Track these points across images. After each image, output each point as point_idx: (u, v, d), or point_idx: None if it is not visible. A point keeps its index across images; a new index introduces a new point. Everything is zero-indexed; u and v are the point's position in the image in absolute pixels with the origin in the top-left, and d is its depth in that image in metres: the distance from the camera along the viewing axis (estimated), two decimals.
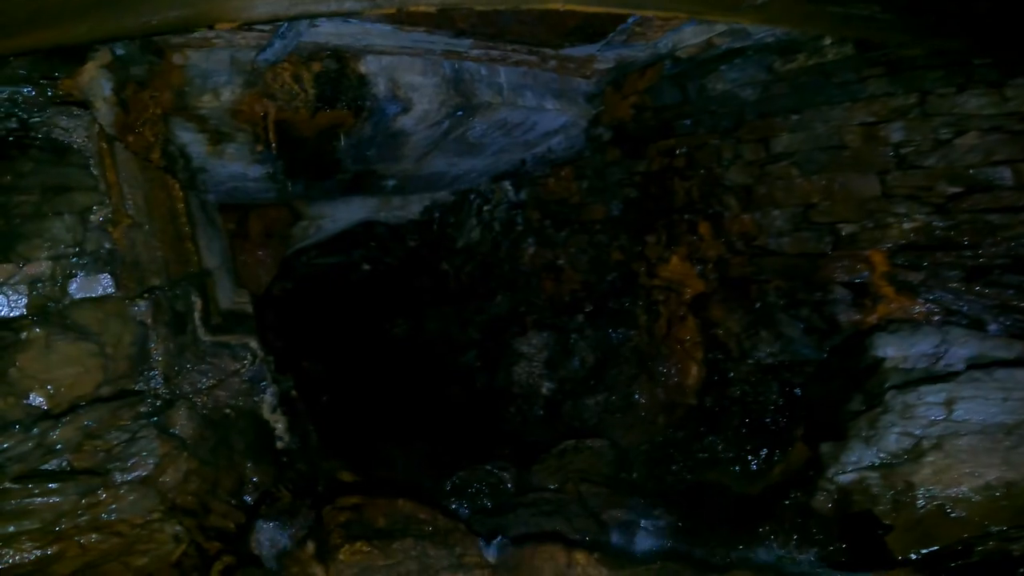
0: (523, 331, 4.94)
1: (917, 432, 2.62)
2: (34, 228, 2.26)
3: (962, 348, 2.90)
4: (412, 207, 5.95)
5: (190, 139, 3.43)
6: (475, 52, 3.55)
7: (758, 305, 3.78)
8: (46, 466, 2.17)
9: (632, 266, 4.50)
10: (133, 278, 2.64)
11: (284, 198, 4.94)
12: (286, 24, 2.77)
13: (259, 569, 2.33)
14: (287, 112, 3.33)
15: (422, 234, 6.18)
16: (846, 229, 3.43)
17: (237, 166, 3.82)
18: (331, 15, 2.53)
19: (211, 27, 2.31)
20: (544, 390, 4.64)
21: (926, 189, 3.18)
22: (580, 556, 2.39)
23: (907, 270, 3.25)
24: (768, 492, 3.16)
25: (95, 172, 2.49)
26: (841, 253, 3.46)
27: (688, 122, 4.05)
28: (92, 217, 2.46)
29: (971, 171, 3.05)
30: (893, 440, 2.65)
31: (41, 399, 2.21)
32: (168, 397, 2.71)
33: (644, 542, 3.01)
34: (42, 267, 2.27)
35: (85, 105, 2.54)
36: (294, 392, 3.84)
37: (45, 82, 2.37)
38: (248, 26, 2.67)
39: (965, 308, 3.10)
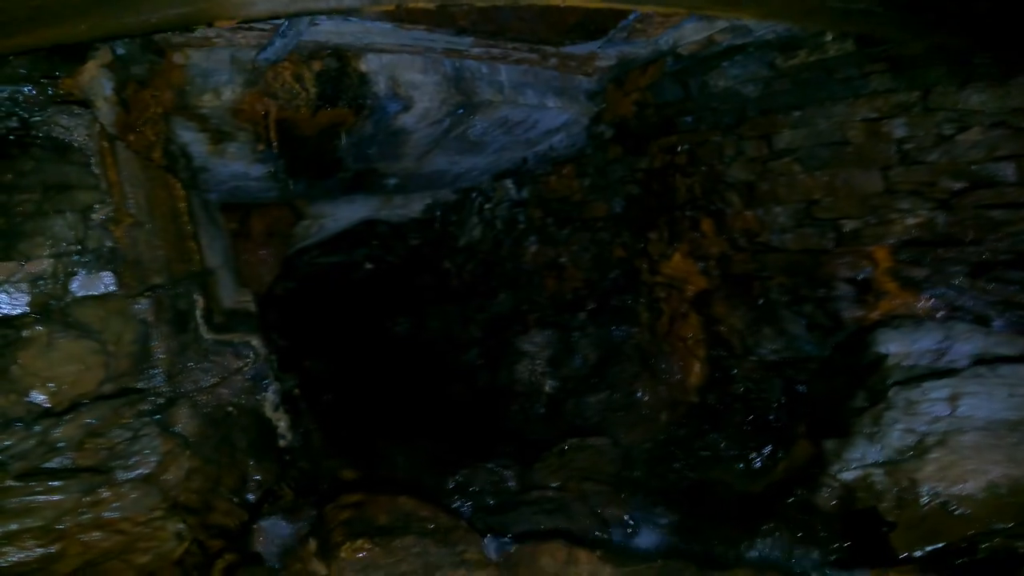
0: (525, 329, 4.93)
1: (921, 429, 2.61)
2: (35, 226, 2.27)
3: (966, 344, 2.89)
4: (414, 205, 5.96)
5: (191, 138, 3.43)
6: (476, 50, 3.55)
7: (761, 302, 3.76)
8: (48, 464, 2.18)
9: (634, 263, 4.50)
10: (135, 276, 2.65)
11: (286, 197, 4.94)
12: (286, 23, 2.77)
13: (261, 567, 2.34)
14: (288, 111, 3.33)
15: (424, 232, 6.19)
16: (849, 225, 3.41)
17: (239, 165, 3.82)
18: (330, 12, 2.53)
19: (210, 25, 2.31)
20: (546, 388, 4.63)
21: (929, 185, 3.17)
22: (582, 554, 2.38)
23: (910, 266, 3.24)
24: (771, 490, 3.15)
25: (96, 171, 2.50)
26: (844, 249, 3.44)
27: (690, 119, 4.03)
28: (93, 215, 2.47)
29: (974, 167, 3.03)
30: (897, 437, 2.64)
31: (43, 397, 2.22)
32: (170, 395, 2.71)
33: (647, 540, 3.01)
34: (44, 265, 2.28)
35: (86, 104, 2.55)
36: (296, 390, 3.85)
37: (46, 81, 2.37)
38: (247, 24, 2.66)
39: (969, 304, 3.08)
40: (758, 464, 3.44)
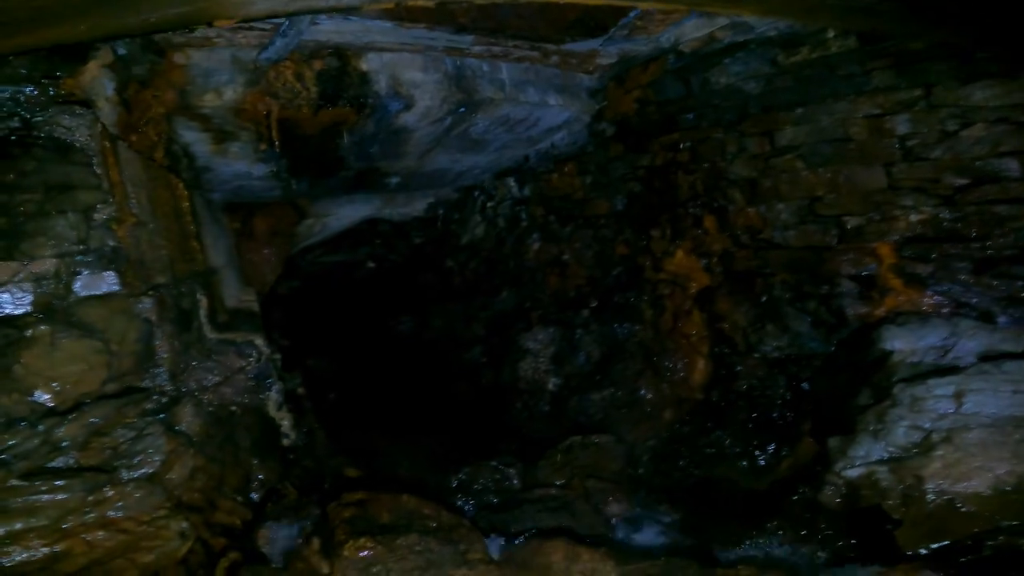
0: (528, 327, 4.93)
1: (926, 425, 2.59)
2: (38, 226, 2.27)
3: (971, 341, 2.87)
4: (416, 204, 5.96)
5: (193, 138, 3.43)
6: (476, 48, 3.54)
7: (764, 299, 3.75)
8: (52, 463, 2.18)
9: (637, 261, 4.49)
10: (138, 276, 2.65)
11: (289, 196, 4.95)
12: (287, 22, 2.77)
13: (265, 566, 2.34)
14: (290, 110, 3.34)
15: (426, 231, 6.19)
16: (852, 222, 3.40)
17: (241, 165, 3.82)
18: (329, 11, 2.53)
19: (210, 24, 2.31)
20: (550, 386, 4.62)
21: (933, 181, 3.15)
22: (585, 551, 2.38)
23: (915, 262, 3.22)
24: (775, 487, 3.14)
25: (98, 171, 2.50)
26: (848, 246, 3.43)
27: (691, 116, 4.02)
28: (96, 215, 2.47)
29: (978, 163, 3.01)
30: (902, 434, 2.62)
31: (47, 396, 2.22)
32: (174, 394, 2.72)
33: (650, 537, 3.00)
34: (47, 265, 2.29)
35: (87, 104, 2.55)
36: (300, 389, 3.86)
37: (47, 81, 2.37)
38: (246, 23, 2.66)
39: (974, 300, 3.07)
40: (762, 462, 3.42)
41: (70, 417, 2.24)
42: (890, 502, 2.46)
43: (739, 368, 3.79)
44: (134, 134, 2.99)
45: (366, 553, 2.24)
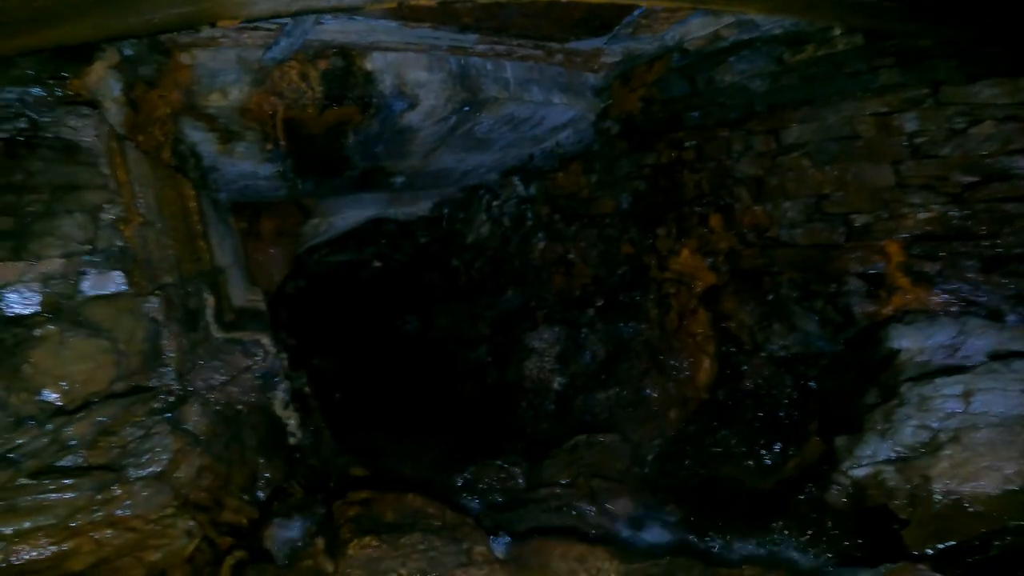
0: (534, 326, 4.93)
1: (934, 425, 2.58)
2: (45, 226, 2.29)
3: (980, 339, 2.85)
4: (421, 203, 5.97)
5: (200, 138, 3.45)
6: (481, 47, 3.54)
7: (771, 297, 3.74)
8: (61, 462, 2.19)
9: (642, 259, 4.48)
10: (145, 275, 2.67)
11: (295, 196, 4.97)
12: (291, 22, 2.78)
13: (270, 564, 2.35)
14: (295, 110, 3.35)
15: (432, 230, 6.19)
16: (860, 220, 3.38)
17: (247, 164, 3.84)
18: (332, 11, 2.53)
19: (213, 24, 2.32)
20: (555, 385, 4.62)
21: (941, 179, 3.13)
22: (589, 550, 2.38)
23: (923, 260, 3.20)
24: (781, 487, 3.13)
25: (105, 171, 2.51)
26: (855, 244, 3.41)
27: (697, 114, 4.01)
28: (103, 215, 2.49)
29: (987, 160, 2.99)
30: (909, 433, 2.61)
31: (55, 395, 2.23)
32: (181, 393, 2.73)
33: (656, 537, 3.00)
34: (54, 265, 2.30)
35: (94, 105, 2.57)
36: (306, 388, 3.87)
37: (53, 82, 2.39)
38: (250, 23, 2.67)
39: (983, 299, 3.04)
40: (768, 461, 3.41)
41: (78, 416, 2.26)
42: (897, 502, 2.44)
43: (745, 367, 3.77)
44: (141, 134, 3.01)
45: (370, 552, 2.25)
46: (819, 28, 3.32)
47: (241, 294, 3.95)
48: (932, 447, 2.50)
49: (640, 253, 4.51)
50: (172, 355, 2.72)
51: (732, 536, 2.83)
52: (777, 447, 3.41)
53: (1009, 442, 2.38)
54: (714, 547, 2.78)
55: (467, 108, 3.79)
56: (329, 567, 2.28)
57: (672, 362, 4.12)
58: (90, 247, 2.41)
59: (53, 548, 2.00)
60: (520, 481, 3.53)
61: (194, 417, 2.71)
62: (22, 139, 2.29)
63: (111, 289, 2.47)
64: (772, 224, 3.71)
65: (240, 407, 3.11)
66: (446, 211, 6.00)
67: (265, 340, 3.45)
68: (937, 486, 2.39)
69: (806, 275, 3.60)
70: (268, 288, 4.95)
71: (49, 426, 2.18)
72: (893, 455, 2.59)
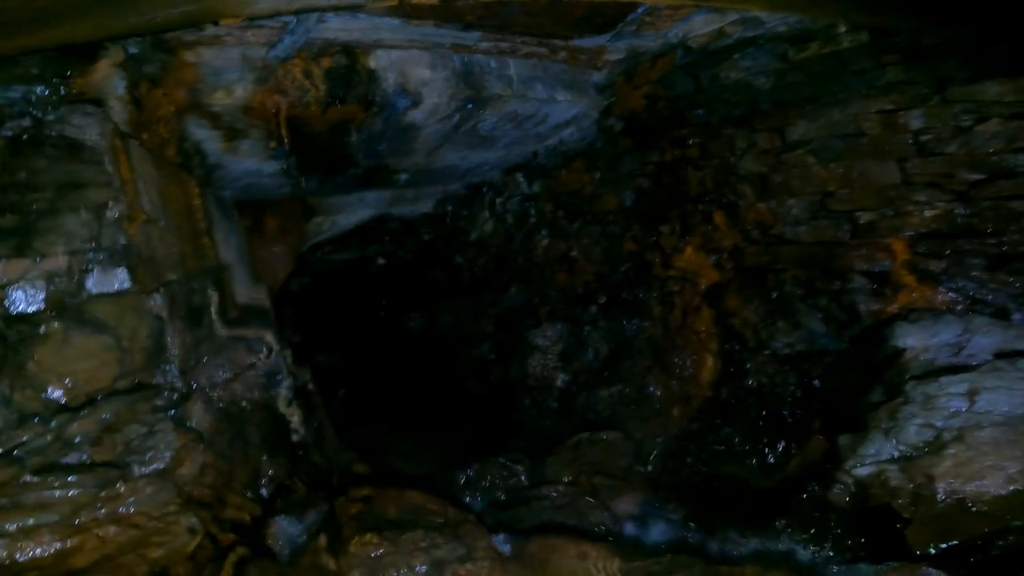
0: (537, 323, 4.93)
1: (938, 424, 2.56)
2: (50, 224, 2.30)
3: (985, 338, 2.84)
4: (425, 201, 5.96)
5: (204, 136, 3.45)
6: (484, 45, 3.54)
7: (775, 295, 3.73)
8: (65, 459, 2.20)
9: (646, 257, 4.47)
10: (149, 273, 2.68)
11: (298, 194, 4.97)
12: (295, 20, 2.78)
13: (273, 561, 2.36)
14: (299, 108, 3.35)
15: (435, 228, 6.19)
16: (865, 217, 3.37)
17: (251, 162, 3.84)
18: (333, 9, 2.53)
19: (215, 23, 2.32)
20: (558, 382, 4.62)
21: (947, 176, 3.11)
22: (591, 548, 2.38)
23: (928, 258, 3.19)
24: (784, 485, 3.12)
25: (109, 169, 2.52)
26: (860, 241, 3.40)
27: (701, 111, 4.00)
28: (107, 213, 2.49)
29: (993, 158, 2.97)
30: (913, 432, 2.60)
31: (59, 392, 2.24)
32: (184, 390, 2.74)
33: (658, 535, 2.99)
34: (59, 262, 2.31)
35: (98, 103, 2.58)
36: (310, 385, 3.87)
37: (58, 81, 2.40)
38: (252, 22, 2.67)
39: (989, 297, 3.03)
40: (771, 459, 3.40)
41: (82, 413, 2.26)
42: (900, 501, 2.43)
43: (749, 365, 3.77)
44: (145, 132, 3.02)
45: (372, 549, 2.26)
46: (824, 25, 3.30)
47: (245, 291, 3.96)
48: (936, 446, 2.48)
49: (643, 250, 4.50)
50: (176, 352, 2.72)
51: (734, 534, 2.82)
52: (780, 445, 3.40)
53: (1013, 441, 2.36)
54: (716, 545, 2.77)
55: (470, 106, 3.79)
56: (331, 564, 2.29)
57: (675, 359, 4.11)
58: (94, 244, 2.42)
59: (57, 545, 2.01)
60: (523, 478, 3.54)
61: (198, 414, 2.72)
62: (26, 137, 2.30)
63: (115, 286, 2.48)
64: (776, 221, 3.70)
65: (244, 404, 3.12)
66: (450, 208, 6.00)
67: (269, 337, 3.46)
68: (941, 485, 2.37)
69: (811, 273, 3.59)
70: (272, 285, 4.96)
71: (53, 423, 2.19)
72: (897, 454, 2.58)
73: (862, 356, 3.25)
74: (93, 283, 2.43)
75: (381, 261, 6.94)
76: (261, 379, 3.34)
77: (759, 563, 2.30)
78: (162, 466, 2.39)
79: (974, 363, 2.73)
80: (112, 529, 2.12)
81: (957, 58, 2.99)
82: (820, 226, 3.54)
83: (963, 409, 2.55)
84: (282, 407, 3.38)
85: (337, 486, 3.08)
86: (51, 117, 2.37)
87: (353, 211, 5.59)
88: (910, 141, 3.18)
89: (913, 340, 2.99)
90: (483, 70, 3.72)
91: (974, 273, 3.06)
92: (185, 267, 3.09)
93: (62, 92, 2.42)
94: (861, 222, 3.38)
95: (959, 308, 3.08)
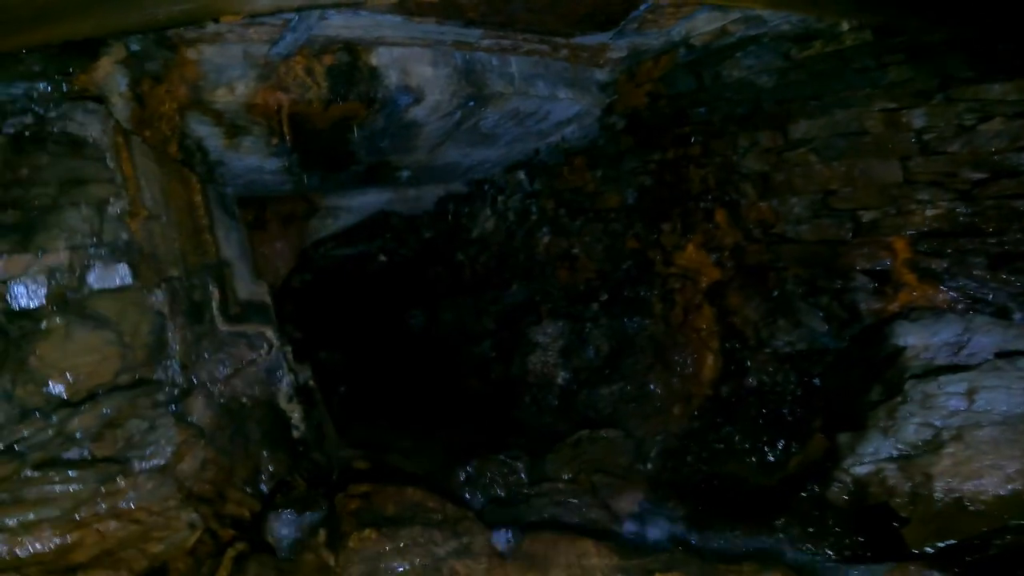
0: (538, 320, 4.93)
1: (937, 423, 2.56)
2: (52, 219, 2.31)
3: (986, 337, 2.83)
4: (427, 198, 5.97)
5: (207, 133, 3.46)
6: (486, 42, 3.53)
7: (776, 293, 3.72)
8: (66, 454, 2.22)
9: (647, 254, 4.47)
10: (151, 269, 2.69)
11: (300, 190, 4.99)
12: (296, 17, 2.78)
13: (271, 556, 2.37)
14: (300, 105, 3.35)
15: (437, 225, 6.20)
16: (867, 216, 3.36)
17: (253, 159, 3.85)
18: (334, 6, 2.53)
19: (216, 20, 2.33)
20: (559, 380, 4.63)
21: (950, 175, 3.10)
22: (589, 545, 2.38)
23: (930, 257, 3.18)
24: (784, 484, 3.12)
25: (111, 165, 2.53)
26: (862, 240, 3.39)
27: (703, 110, 3.99)
28: (109, 209, 2.51)
29: (996, 157, 2.97)
30: (912, 431, 2.60)
31: (61, 387, 2.26)
32: (185, 386, 2.76)
33: (657, 533, 2.99)
34: (60, 257, 2.32)
35: (100, 100, 2.59)
36: (311, 382, 3.89)
37: (60, 78, 2.41)
38: (253, 19, 2.67)
39: (990, 296, 3.02)
40: (771, 458, 3.40)
41: (83, 408, 2.28)
42: (898, 500, 2.43)
43: (749, 363, 3.76)
44: (147, 129, 3.03)
45: (371, 545, 2.27)
46: (827, 24, 3.29)
47: (246, 287, 3.98)
48: (934, 445, 2.48)
49: (645, 248, 4.50)
50: (177, 348, 2.74)
51: (734, 533, 2.82)
52: (780, 444, 3.40)
53: (1012, 441, 2.36)
54: (715, 544, 2.77)
55: (472, 103, 3.79)
56: (330, 560, 2.30)
57: (676, 358, 4.11)
58: (96, 240, 2.43)
59: (57, 540, 2.02)
60: (522, 476, 3.54)
61: (198, 410, 2.73)
62: (28, 134, 2.31)
63: (117, 282, 2.50)
64: (778, 220, 3.69)
65: (244, 400, 3.14)
66: (451, 206, 6.00)
67: (270, 333, 3.47)
68: (938, 484, 2.37)
69: (812, 271, 3.58)
70: (274, 282, 4.98)
71: (54, 418, 2.20)
72: (895, 453, 2.58)
73: (863, 355, 3.24)
74: (95, 279, 2.44)
75: (383, 258, 6.94)
76: (262, 375, 3.35)
77: (757, 561, 2.30)
78: (163, 461, 2.40)
79: (974, 362, 2.72)
80: (112, 524, 2.14)
81: (960, 57, 2.98)
82: (822, 225, 3.53)
83: (962, 408, 2.55)
84: (283, 403, 3.39)
85: (337, 482, 3.10)
86: (53, 114, 2.38)
87: (355, 208, 5.60)
88: (913, 140, 3.18)
89: (913, 339, 2.98)
90: (485, 67, 3.72)
91: (975, 272, 3.06)
92: (186, 263, 3.11)
93: (64, 89, 2.43)
94: (863, 221, 3.37)
95: (960, 307, 3.08)
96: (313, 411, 3.62)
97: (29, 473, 2.08)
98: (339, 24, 3.03)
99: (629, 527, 3.02)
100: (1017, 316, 2.90)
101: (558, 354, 4.69)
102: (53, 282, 2.31)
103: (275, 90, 3.26)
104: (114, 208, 2.52)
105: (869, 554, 2.40)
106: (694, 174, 4.09)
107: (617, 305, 4.54)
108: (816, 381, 3.49)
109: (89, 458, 2.25)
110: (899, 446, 2.58)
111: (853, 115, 3.33)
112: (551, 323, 4.84)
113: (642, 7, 3.21)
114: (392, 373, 5.95)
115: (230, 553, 2.23)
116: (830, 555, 2.53)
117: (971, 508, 2.28)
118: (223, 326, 3.34)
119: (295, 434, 3.33)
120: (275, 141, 3.64)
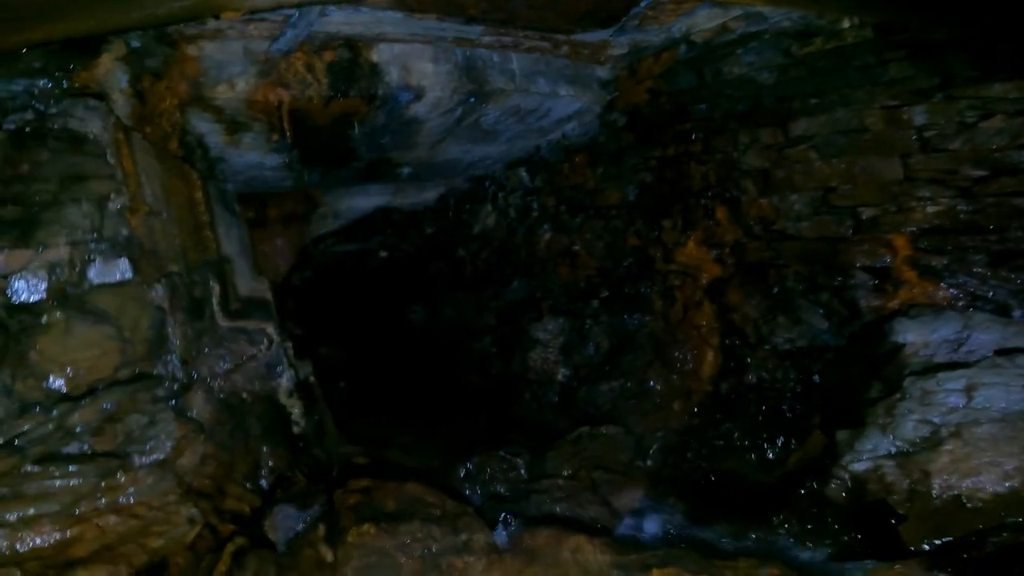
0: (539, 317, 4.94)
1: (936, 420, 2.56)
2: (52, 215, 2.31)
3: (985, 334, 2.83)
4: (428, 194, 5.97)
5: (207, 129, 3.47)
6: (487, 39, 3.53)
7: (776, 290, 3.72)
8: (66, 448, 2.22)
9: (648, 251, 4.47)
10: (151, 264, 2.70)
11: (301, 187, 4.99)
12: (297, 13, 2.78)
13: (271, 551, 2.38)
14: (301, 101, 3.36)
15: (438, 221, 6.20)
16: (867, 213, 3.36)
17: (254, 155, 3.86)
18: (335, 2, 2.53)
19: (217, 16, 2.33)
20: (559, 376, 4.63)
21: (950, 172, 3.10)
22: (588, 542, 2.39)
23: (930, 254, 3.18)
24: (783, 481, 3.13)
25: (111, 161, 2.54)
26: (862, 237, 3.39)
27: (704, 106, 3.98)
28: (109, 205, 2.52)
29: (997, 154, 2.96)
30: (910, 428, 2.59)
31: (61, 382, 2.26)
32: (185, 381, 2.77)
33: (657, 529, 3.00)
34: (61, 252, 2.33)
35: (101, 96, 2.59)
36: (311, 378, 3.90)
37: (61, 74, 2.42)
38: (253, 15, 2.67)
39: (990, 293, 3.02)
40: (771, 455, 3.41)
41: (83, 403, 2.29)
42: (896, 497, 2.43)
43: (749, 360, 3.77)
44: (148, 125, 3.03)
45: (370, 540, 2.28)
46: (828, 21, 3.28)
47: (247, 283, 3.98)
48: (933, 442, 2.48)
49: (646, 245, 4.50)
50: (177, 343, 2.75)
51: (732, 529, 2.83)
52: (780, 441, 3.41)
53: (1011, 438, 2.36)
54: (713, 540, 2.78)
55: (473, 99, 3.79)
56: (329, 555, 2.31)
57: (676, 354, 4.11)
58: (96, 236, 2.44)
59: (57, 535, 2.03)
60: (523, 472, 3.55)
61: (198, 405, 2.74)
62: (29, 130, 2.32)
63: (117, 277, 2.50)
64: (778, 217, 3.69)
65: (244, 395, 3.15)
66: (452, 202, 6.00)
67: (270, 329, 3.48)
68: (936, 481, 2.37)
69: (812, 268, 3.58)
70: (274, 278, 4.98)
71: (54, 413, 2.21)
72: (894, 449, 2.58)
73: (862, 352, 3.24)
74: (95, 273, 2.45)
75: (384, 254, 6.95)
76: (262, 371, 3.36)
77: (753, 557, 2.30)
78: (162, 456, 2.41)
79: (973, 359, 2.72)
80: (112, 519, 2.15)
81: (961, 56, 2.97)
82: (822, 222, 3.53)
83: (961, 405, 2.55)
84: (283, 399, 3.40)
85: (337, 478, 3.10)
86: (54, 110, 2.39)
87: (356, 204, 5.60)
88: (913, 137, 3.17)
89: (913, 336, 2.98)
90: (485, 64, 3.71)
91: (976, 269, 3.05)
92: (187, 259, 3.11)
93: (65, 86, 2.44)
94: (863, 218, 3.37)
95: (960, 304, 3.08)
96: (313, 407, 3.63)
97: (29, 468, 2.09)
98: (340, 20, 3.03)
99: (629, 523, 3.03)
100: (1017, 313, 2.90)
101: (559, 351, 4.70)
102: (53, 277, 2.31)
103: (276, 86, 3.26)
104: (114, 204, 2.53)
105: (867, 551, 2.40)
106: (695, 171, 4.09)
107: (617, 302, 4.54)
108: (816, 378, 3.49)
109: (89, 453, 2.25)
110: (897, 443, 2.58)
111: (854, 112, 3.33)
112: (552, 320, 4.85)
113: (643, 4, 3.20)
114: (393, 369, 5.96)
115: (230, 548, 2.24)
116: (828, 552, 2.53)
117: (969, 505, 2.28)
118: (223, 322, 3.34)
119: (295, 430, 3.33)
120: (275, 137, 3.64)
